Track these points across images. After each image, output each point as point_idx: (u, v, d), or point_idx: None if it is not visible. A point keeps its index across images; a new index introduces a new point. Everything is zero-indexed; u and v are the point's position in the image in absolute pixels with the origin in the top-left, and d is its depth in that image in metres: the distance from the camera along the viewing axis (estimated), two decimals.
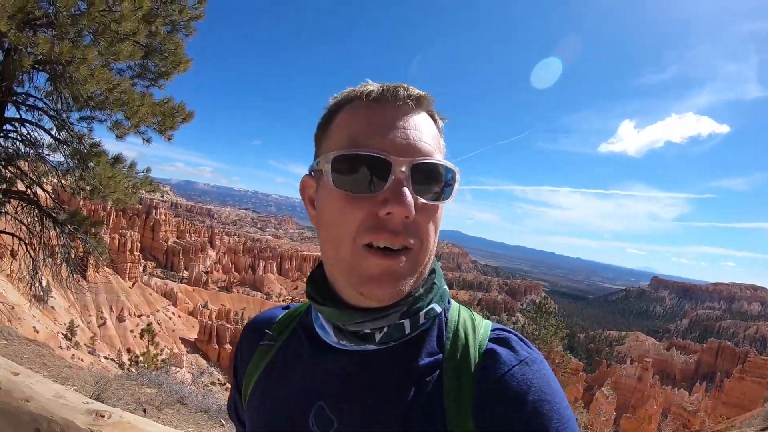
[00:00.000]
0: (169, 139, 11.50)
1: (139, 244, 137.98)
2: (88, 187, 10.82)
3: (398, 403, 0.80)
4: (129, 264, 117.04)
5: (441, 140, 0.87)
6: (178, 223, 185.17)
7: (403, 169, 0.77)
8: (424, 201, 0.79)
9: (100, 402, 6.70)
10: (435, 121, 0.87)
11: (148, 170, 12.00)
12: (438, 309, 0.89)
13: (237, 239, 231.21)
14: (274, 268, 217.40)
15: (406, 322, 0.84)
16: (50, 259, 11.71)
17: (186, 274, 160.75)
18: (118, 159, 11.39)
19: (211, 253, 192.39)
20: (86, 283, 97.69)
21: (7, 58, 8.81)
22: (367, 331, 0.84)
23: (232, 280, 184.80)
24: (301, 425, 0.86)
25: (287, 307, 1.09)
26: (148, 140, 11.40)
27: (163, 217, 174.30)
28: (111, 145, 11.02)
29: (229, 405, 1.18)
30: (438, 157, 0.81)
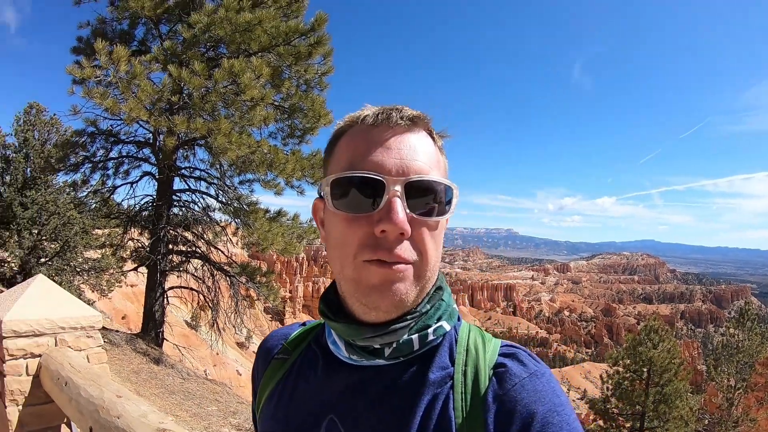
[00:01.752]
0: None
1: None
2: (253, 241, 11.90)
3: (408, 415, 0.82)
4: None
5: (441, 158, 0.90)
6: None
7: (397, 188, 0.79)
8: (419, 218, 0.81)
9: None
10: (434, 139, 0.89)
11: (312, 220, 12.95)
12: (447, 327, 0.90)
13: None
14: (466, 300, 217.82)
15: (415, 338, 0.86)
16: (249, 309, 13.05)
17: None
18: (280, 213, 12.49)
19: None
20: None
21: (172, 142, 10.20)
22: (377, 346, 0.86)
23: None
24: None
25: (304, 324, 1.13)
26: (301, 192, 12.35)
27: None
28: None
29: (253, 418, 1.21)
30: (434, 175, 0.83)
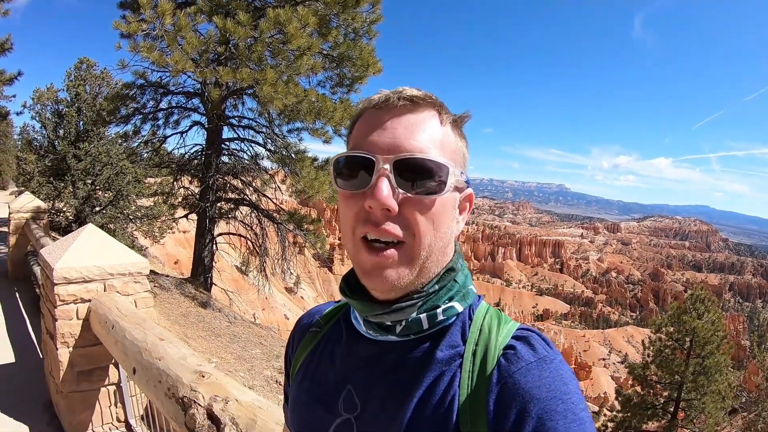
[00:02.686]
0: None
1: None
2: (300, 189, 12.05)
3: (411, 390, 0.85)
4: None
5: (452, 138, 0.90)
6: None
7: (386, 166, 0.82)
8: (409, 195, 0.83)
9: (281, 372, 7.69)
10: (441, 119, 0.89)
11: None
12: (459, 308, 0.91)
13: (475, 227, 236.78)
14: (513, 255, 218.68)
15: (423, 317, 0.88)
16: (298, 255, 13.36)
17: None
18: (328, 161, 12.46)
19: None
20: (333, 275, 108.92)
21: (218, 93, 10.28)
22: (389, 323, 0.89)
23: (471, 267, 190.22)
24: (333, 407, 0.93)
25: (338, 302, 1.16)
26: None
27: None
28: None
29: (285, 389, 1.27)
30: (432, 154, 0.84)
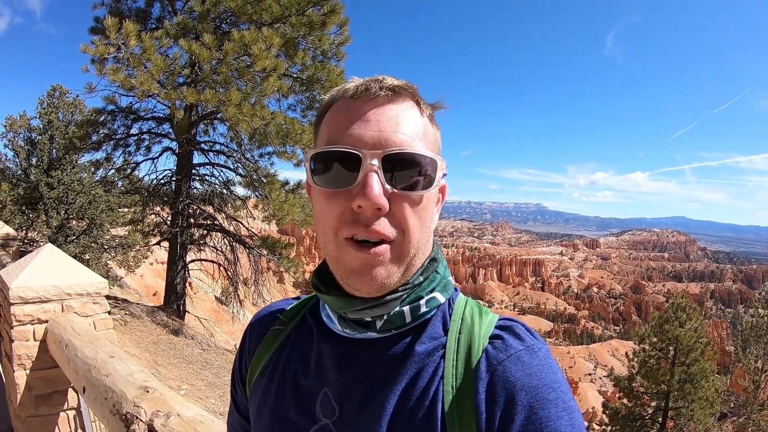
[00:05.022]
0: None
1: None
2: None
3: (391, 387, 0.82)
4: None
5: (431, 129, 0.87)
6: None
7: (374, 162, 0.77)
8: (400, 192, 0.79)
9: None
10: (421, 110, 0.86)
11: None
12: (441, 299, 0.89)
13: (455, 250, 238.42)
14: (494, 275, 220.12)
15: (406, 310, 0.85)
16: (277, 283, 13.34)
17: None
18: (300, 185, 12.60)
19: None
20: None
21: (184, 116, 10.29)
22: (368, 319, 0.85)
23: None
24: (308, 412, 0.88)
25: (298, 298, 1.11)
26: None
27: None
28: None
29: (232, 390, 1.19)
30: (419, 147, 0.81)
